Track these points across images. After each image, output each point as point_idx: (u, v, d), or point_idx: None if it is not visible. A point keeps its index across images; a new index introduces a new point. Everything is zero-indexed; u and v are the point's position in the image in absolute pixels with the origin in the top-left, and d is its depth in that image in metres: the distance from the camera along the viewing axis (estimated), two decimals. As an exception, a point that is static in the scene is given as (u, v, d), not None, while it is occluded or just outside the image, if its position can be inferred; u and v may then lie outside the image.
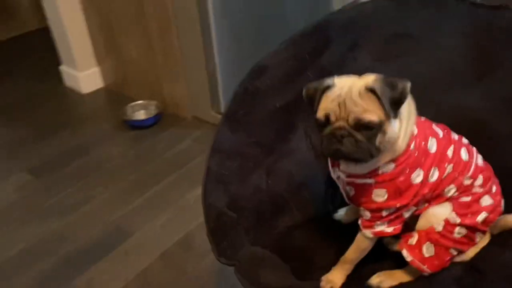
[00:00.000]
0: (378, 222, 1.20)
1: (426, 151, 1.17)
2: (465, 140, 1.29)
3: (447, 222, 1.20)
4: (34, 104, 3.23)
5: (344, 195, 1.28)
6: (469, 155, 1.24)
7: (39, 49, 3.91)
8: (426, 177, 1.17)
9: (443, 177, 1.20)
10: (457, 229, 1.20)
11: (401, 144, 1.13)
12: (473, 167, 1.22)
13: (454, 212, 1.21)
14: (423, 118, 1.28)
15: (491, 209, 1.22)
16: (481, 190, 1.23)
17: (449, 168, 1.20)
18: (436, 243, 1.20)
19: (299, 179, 1.45)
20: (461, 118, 1.40)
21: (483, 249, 1.25)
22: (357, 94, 1.07)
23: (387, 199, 1.16)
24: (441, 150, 1.19)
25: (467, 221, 1.20)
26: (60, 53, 3.30)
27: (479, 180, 1.23)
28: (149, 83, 3.01)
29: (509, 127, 1.35)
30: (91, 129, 2.93)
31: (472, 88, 1.42)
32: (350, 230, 1.30)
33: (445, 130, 1.26)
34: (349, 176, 1.21)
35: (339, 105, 1.07)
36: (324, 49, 1.53)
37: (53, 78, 3.44)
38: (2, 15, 4.25)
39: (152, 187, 2.38)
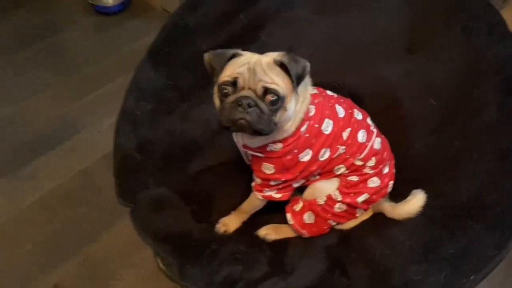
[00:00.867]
0: (267, 189, 1.28)
1: (319, 133, 1.20)
2: (369, 121, 1.30)
3: (329, 198, 1.28)
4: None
5: (244, 157, 1.34)
6: (366, 137, 1.26)
7: None
8: (315, 156, 1.22)
9: (334, 156, 1.24)
10: (337, 205, 1.28)
11: (291, 126, 1.15)
12: (367, 150, 1.26)
13: (338, 190, 1.28)
14: (329, 93, 1.28)
15: (375, 191, 1.29)
16: (371, 171, 1.28)
17: (341, 149, 1.24)
18: (316, 214, 1.30)
19: (216, 127, 1.47)
20: (379, 92, 1.39)
21: (363, 222, 1.35)
22: (266, 64, 1.08)
23: (274, 173, 1.23)
24: (337, 131, 1.22)
25: (348, 200, 1.28)
26: None
27: (371, 162, 1.27)
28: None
29: (421, 112, 1.34)
30: (55, 10, 2.81)
31: (399, 62, 1.38)
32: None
33: (349, 110, 1.26)
34: (243, 146, 1.25)
35: (248, 69, 1.07)
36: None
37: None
38: None
39: (108, 82, 2.37)
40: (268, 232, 1.38)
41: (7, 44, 2.56)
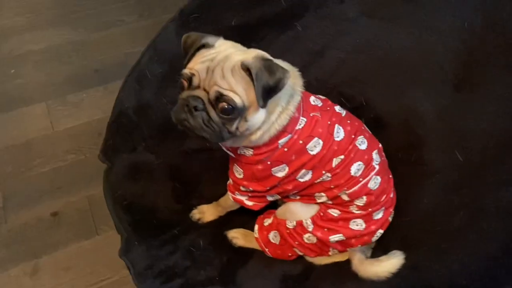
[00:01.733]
0: (237, 193, 1.15)
1: (302, 150, 1.03)
2: (375, 155, 1.09)
3: (299, 224, 1.13)
4: None
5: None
6: (362, 172, 1.06)
7: None
8: (293, 174, 1.06)
9: (316, 181, 1.07)
10: (307, 235, 1.12)
11: (263, 136, 1.00)
12: (358, 186, 1.06)
13: (311, 219, 1.11)
14: (338, 109, 1.09)
15: (355, 235, 1.10)
16: (358, 212, 1.09)
17: (326, 176, 1.06)
18: (282, 236, 1.16)
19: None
20: (406, 125, 1.17)
21: (337, 263, 1.17)
22: (230, 67, 0.93)
23: (243, 179, 1.10)
24: (325, 154, 1.04)
25: (319, 234, 1.11)
26: None
27: (360, 201, 1.08)
28: None
29: (444, 163, 1.09)
30: None
31: (439, 97, 1.13)
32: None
33: (352, 135, 1.07)
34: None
35: (207, 69, 0.94)
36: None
37: None
38: None
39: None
40: (237, 236, 1.27)
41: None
